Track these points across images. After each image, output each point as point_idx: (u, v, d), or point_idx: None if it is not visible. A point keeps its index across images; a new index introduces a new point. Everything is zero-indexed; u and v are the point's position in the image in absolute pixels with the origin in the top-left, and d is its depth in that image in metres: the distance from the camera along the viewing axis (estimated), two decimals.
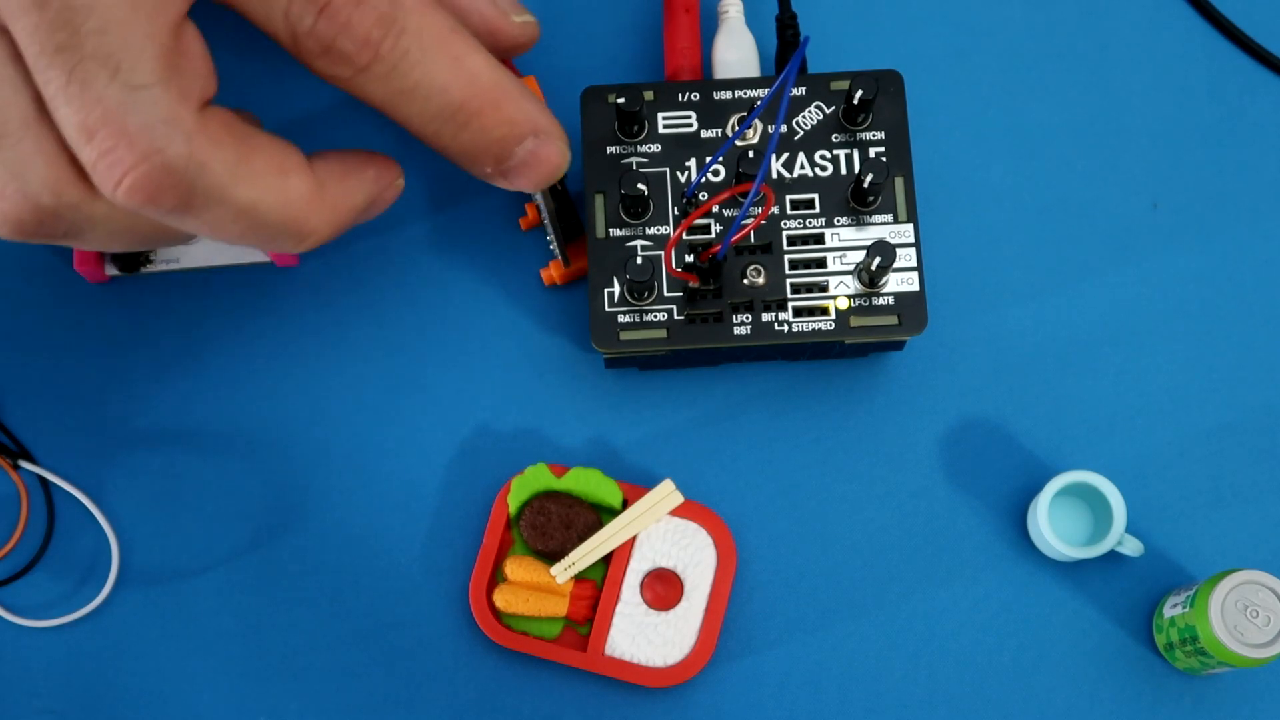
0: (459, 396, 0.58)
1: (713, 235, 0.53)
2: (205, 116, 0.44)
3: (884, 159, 0.54)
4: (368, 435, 0.58)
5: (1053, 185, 0.59)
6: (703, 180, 0.53)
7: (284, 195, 0.45)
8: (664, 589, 0.55)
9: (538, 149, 0.48)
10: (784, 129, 0.54)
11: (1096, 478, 0.54)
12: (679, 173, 0.54)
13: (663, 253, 0.53)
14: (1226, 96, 0.60)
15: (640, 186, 0.52)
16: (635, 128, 0.54)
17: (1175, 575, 0.56)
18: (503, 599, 0.55)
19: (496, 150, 0.48)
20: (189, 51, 0.44)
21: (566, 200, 0.56)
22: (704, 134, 0.54)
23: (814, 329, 0.53)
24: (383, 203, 0.50)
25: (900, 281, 0.53)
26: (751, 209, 0.53)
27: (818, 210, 0.54)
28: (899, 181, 0.54)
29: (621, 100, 0.53)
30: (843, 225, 0.54)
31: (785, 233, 0.54)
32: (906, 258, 0.53)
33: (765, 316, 0.53)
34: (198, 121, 0.43)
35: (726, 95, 0.55)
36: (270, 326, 0.58)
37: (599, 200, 0.54)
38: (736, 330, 0.53)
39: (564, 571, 0.55)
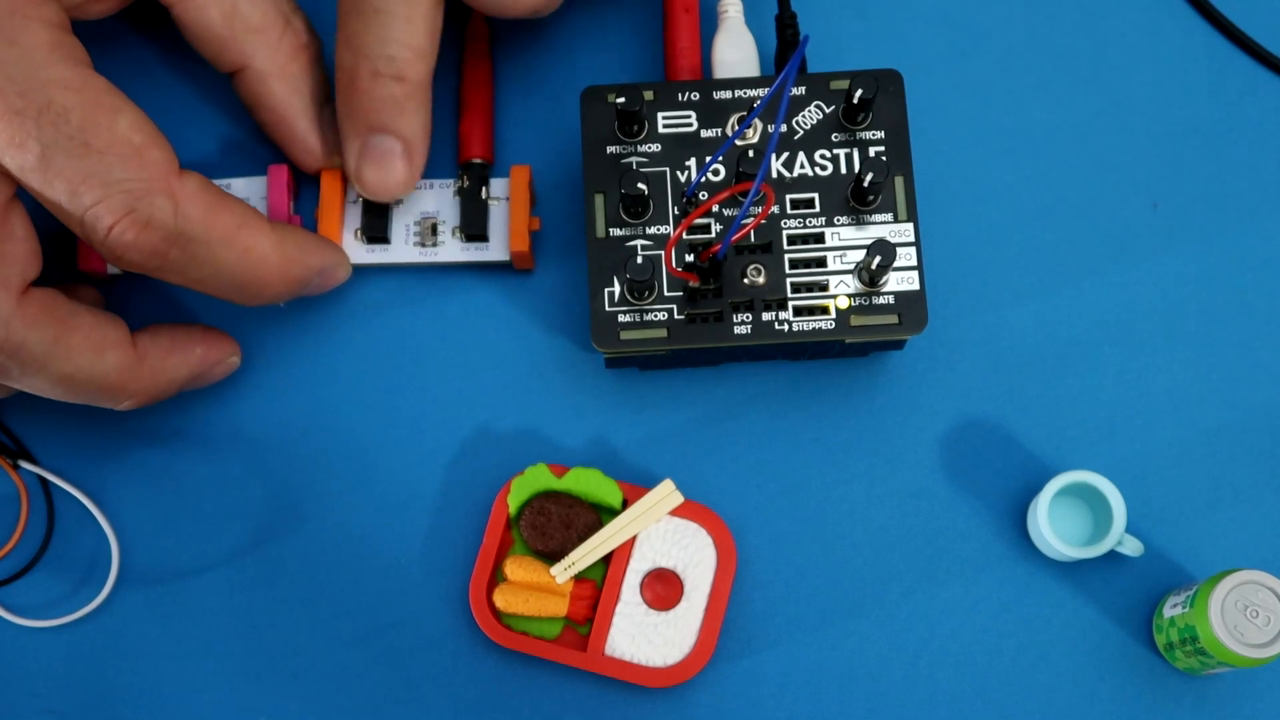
0: (459, 396, 0.58)
1: (713, 235, 0.53)
2: (24, 301, 0.49)
3: (884, 158, 0.54)
4: (368, 435, 0.58)
5: (1053, 185, 0.59)
6: (703, 180, 0.53)
7: (99, 369, 0.51)
8: (664, 589, 0.55)
9: (324, 281, 0.56)
10: (784, 128, 0.54)
11: (1096, 478, 0.54)
12: (679, 172, 0.54)
13: (663, 252, 0.53)
14: (1226, 96, 0.60)
15: (640, 186, 0.52)
16: (635, 127, 0.54)
17: (1175, 575, 0.56)
18: (503, 599, 0.55)
19: (287, 297, 0.54)
20: (13, 235, 0.49)
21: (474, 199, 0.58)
22: (704, 134, 0.54)
23: (814, 328, 0.53)
24: (211, 376, 0.56)
25: (900, 281, 0.53)
26: (751, 208, 0.53)
27: (818, 209, 0.54)
28: (899, 181, 0.54)
29: (621, 100, 0.53)
30: (843, 224, 0.54)
31: (785, 232, 0.54)
32: (906, 257, 0.53)
33: (765, 316, 0.53)
34: (16, 306, 0.48)
35: (726, 95, 0.55)
36: (270, 326, 0.58)
37: (599, 200, 0.54)
38: (737, 330, 0.53)
39: (564, 571, 0.55)
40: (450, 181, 0.58)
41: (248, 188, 0.58)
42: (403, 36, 0.53)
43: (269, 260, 0.52)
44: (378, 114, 0.54)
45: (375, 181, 0.55)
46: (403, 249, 0.57)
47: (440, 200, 0.58)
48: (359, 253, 0.57)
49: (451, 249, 0.57)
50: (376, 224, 0.57)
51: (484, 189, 0.57)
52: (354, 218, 0.57)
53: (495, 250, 0.57)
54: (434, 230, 0.57)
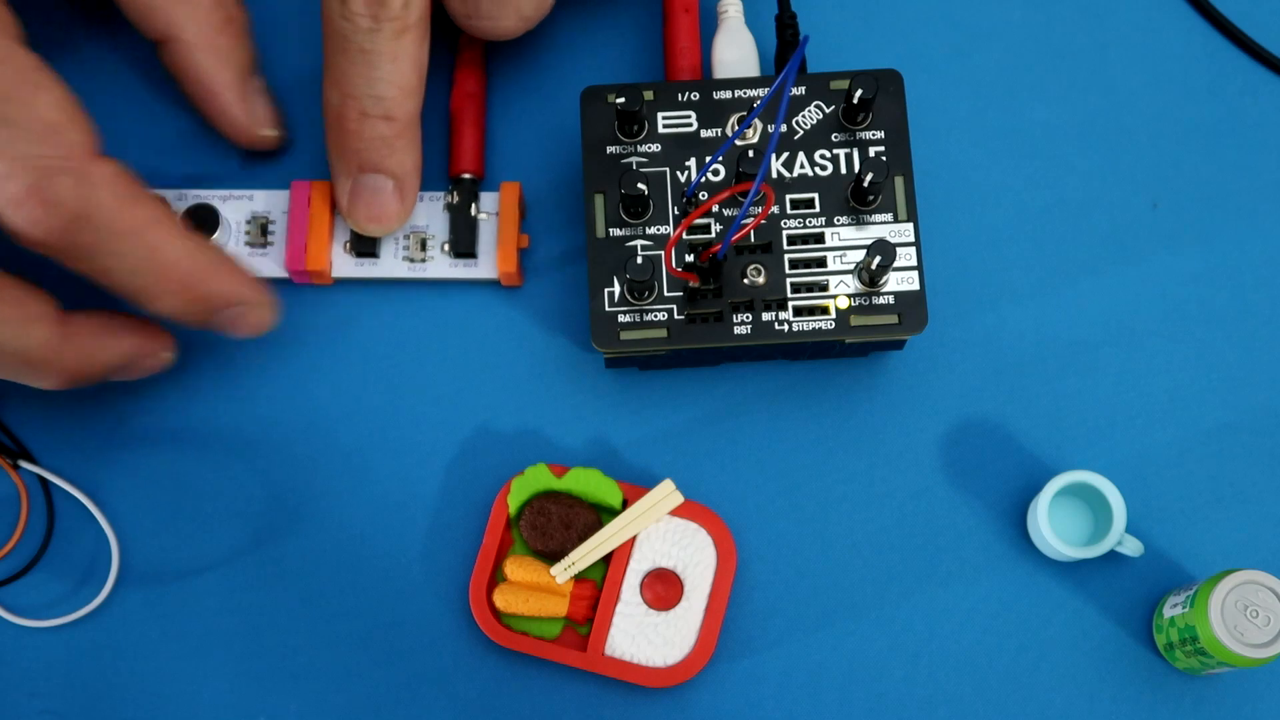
0: (459, 397, 0.58)
1: (713, 235, 0.53)
2: None
3: (884, 158, 0.54)
4: (368, 435, 0.58)
5: (1053, 185, 0.59)
6: (703, 180, 0.53)
7: (24, 341, 0.49)
8: (664, 589, 0.55)
9: (239, 317, 0.53)
10: (784, 128, 0.54)
11: (1096, 478, 0.54)
12: (679, 172, 0.54)
13: (663, 252, 0.53)
14: (1226, 96, 0.60)
15: (640, 186, 0.52)
16: (635, 128, 0.54)
17: (1175, 575, 0.56)
18: (503, 599, 0.55)
19: (196, 317, 0.52)
20: None
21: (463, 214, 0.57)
22: (704, 134, 0.54)
23: (814, 328, 0.53)
24: (140, 368, 0.54)
25: (900, 281, 0.53)
26: (751, 208, 0.53)
27: (818, 209, 0.54)
28: (899, 181, 0.54)
29: (621, 100, 0.53)
30: (843, 224, 0.54)
31: (785, 232, 0.54)
32: (906, 257, 0.53)
33: (765, 316, 0.53)
34: None
35: (726, 95, 0.55)
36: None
37: (599, 200, 0.54)
38: (736, 330, 0.53)
39: (564, 571, 0.55)
40: (441, 194, 0.58)
41: (269, 201, 0.57)
42: (390, 75, 0.53)
43: (176, 267, 0.50)
44: (367, 154, 0.54)
45: (367, 219, 0.55)
46: (391, 263, 0.57)
47: (430, 214, 0.57)
48: (348, 266, 0.57)
49: (440, 265, 0.57)
50: (366, 237, 0.57)
51: (474, 204, 0.57)
52: (343, 230, 0.57)
53: (484, 268, 0.57)
54: (423, 245, 0.57)
